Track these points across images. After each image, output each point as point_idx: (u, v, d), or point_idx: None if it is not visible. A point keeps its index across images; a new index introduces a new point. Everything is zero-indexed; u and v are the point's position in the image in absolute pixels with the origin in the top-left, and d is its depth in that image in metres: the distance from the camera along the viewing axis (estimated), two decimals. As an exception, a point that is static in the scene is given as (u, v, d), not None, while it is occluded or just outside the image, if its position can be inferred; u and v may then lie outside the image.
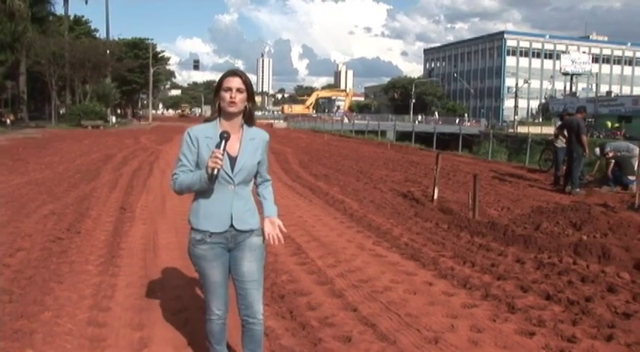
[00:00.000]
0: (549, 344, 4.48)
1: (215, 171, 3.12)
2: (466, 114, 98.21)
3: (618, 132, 53.80)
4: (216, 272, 3.43)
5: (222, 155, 3.14)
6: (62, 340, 4.39)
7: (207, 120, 3.42)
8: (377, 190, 13.55)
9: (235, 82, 3.28)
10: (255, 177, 3.54)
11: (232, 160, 3.31)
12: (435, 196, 11.57)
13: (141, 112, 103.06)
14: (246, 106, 3.37)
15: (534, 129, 50.26)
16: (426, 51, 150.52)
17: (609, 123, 61.61)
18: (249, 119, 3.43)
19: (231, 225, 3.37)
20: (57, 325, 4.69)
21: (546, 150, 19.55)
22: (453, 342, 4.50)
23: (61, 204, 10.55)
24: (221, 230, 3.36)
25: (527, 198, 12.97)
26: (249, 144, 3.39)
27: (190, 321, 4.85)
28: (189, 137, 3.34)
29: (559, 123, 16.71)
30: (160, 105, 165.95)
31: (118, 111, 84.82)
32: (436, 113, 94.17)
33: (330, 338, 4.54)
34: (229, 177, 3.31)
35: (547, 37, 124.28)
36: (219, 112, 3.36)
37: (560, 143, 15.56)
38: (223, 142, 3.16)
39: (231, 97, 3.25)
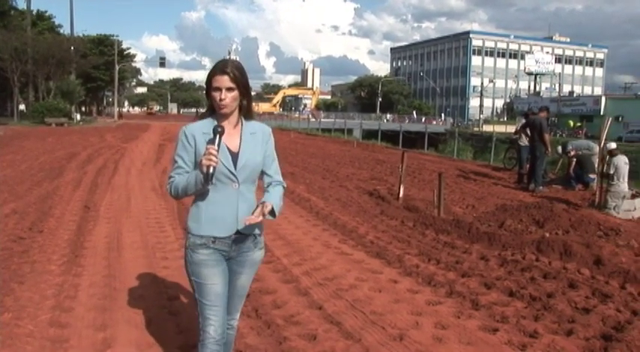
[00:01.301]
0: (512, 339, 4.54)
1: (210, 170, 2.82)
2: (443, 114, 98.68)
3: (580, 131, 54.78)
4: (218, 280, 3.06)
5: (217, 151, 2.85)
6: (23, 342, 4.30)
7: (202, 116, 3.14)
8: (343, 188, 13.58)
9: (224, 82, 2.97)
10: (262, 179, 3.20)
11: (234, 156, 3.03)
12: (401, 194, 11.63)
13: (106, 110, 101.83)
14: (241, 103, 3.08)
15: (499, 128, 50.83)
16: (392, 50, 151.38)
17: (571, 123, 62.77)
18: (246, 114, 3.16)
19: (236, 230, 3.06)
20: (17, 327, 4.60)
21: (510, 148, 19.79)
22: (418, 339, 4.52)
23: (23, 203, 10.36)
24: (227, 234, 3.05)
25: (491, 195, 13.12)
26: (251, 139, 3.11)
27: (154, 321, 4.79)
28: (185, 135, 3.04)
29: (522, 121, 16.93)
30: (126, 103, 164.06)
31: (83, 108, 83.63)
32: (414, 112, 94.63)
33: (296, 337, 4.54)
34: (232, 174, 3.01)
35: (512, 37, 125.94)
36: (214, 110, 3.10)
37: (524, 142, 15.78)
38: (217, 137, 2.88)
39: (220, 99, 2.97)
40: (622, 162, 11.41)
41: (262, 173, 3.18)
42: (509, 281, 6.12)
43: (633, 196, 11.55)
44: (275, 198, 3.10)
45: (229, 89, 2.98)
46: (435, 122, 78.83)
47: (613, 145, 11.94)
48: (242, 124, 3.14)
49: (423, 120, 74.36)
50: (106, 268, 6.43)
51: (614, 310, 5.24)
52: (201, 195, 3.03)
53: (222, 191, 3.02)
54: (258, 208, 2.96)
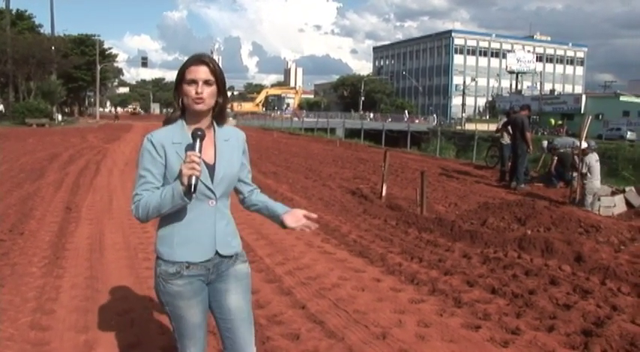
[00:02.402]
0: (494, 336, 4.57)
1: (193, 181, 2.41)
2: (435, 115, 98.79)
3: (561, 130, 55.20)
4: (195, 312, 2.69)
5: (200, 158, 2.46)
6: (3, 346, 4.26)
7: (168, 121, 2.68)
8: (326, 187, 13.59)
9: (201, 73, 2.56)
10: (238, 188, 2.87)
11: (210, 169, 2.62)
12: (384, 193, 11.66)
13: (88, 110, 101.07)
14: (216, 102, 2.65)
15: (481, 126, 51.12)
16: (375, 49, 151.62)
17: (553, 121, 63.21)
18: (219, 116, 2.71)
19: (215, 252, 2.68)
20: (-2, 329, 4.56)
21: (492, 146, 19.90)
22: (401, 337, 4.53)
23: (3, 205, 10.26)
24: (204, 259, 2.65)
25: (474, 194, 13.19)
26: (226, 147, 2.70)
27: (137, 322, 4.77)
28: (152, 145, 2.58)
29: (504, 120, 17.06)
30: (108, 103, 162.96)
31: (65, 109, 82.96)
32: (406, 112, 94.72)
33: (279, 336, 4.53)
34: (209, 190, 2.61)
35: (493, 36, 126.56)
36: (184, 111, 2.65)
37: (506, 140, 15.88)
38: (198, 142, 2.49)
39: (197, 92, 2.54)
40: (593, 160, 11.67)
41: (237, 183, 2.84)
42: (492, 278, 6.15)
43: (613, 193, 11.70)
44: (279, 205, 2.91)
45: (207, 82, 2.58)
46: (417, 121, 79.05)
47: (585, 144, 12.11)
48: (214, 130, 2.71)
49: (417, 120, 74.74)
50: (88, 269, 6.39)
51: (595, 306, 5.29)
52: (171, 214, 2.59)
53: (197, 209, 2.62)
54: (295, 219, 2.81)
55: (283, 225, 2.86)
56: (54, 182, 13.68)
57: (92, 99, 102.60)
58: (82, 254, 7.09)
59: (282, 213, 2.85)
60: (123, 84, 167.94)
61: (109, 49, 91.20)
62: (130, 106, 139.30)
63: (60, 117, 62.63)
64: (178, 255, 2.62)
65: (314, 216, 2.88)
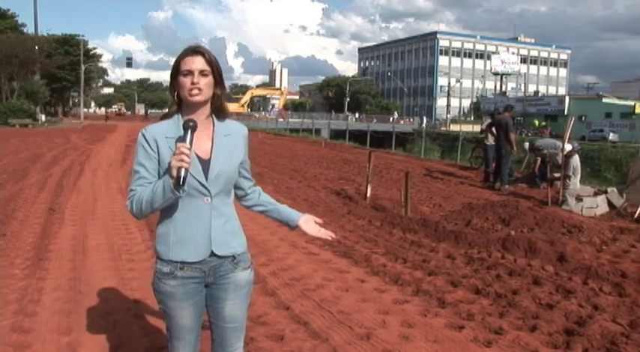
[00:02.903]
0: (478, 336, 4.59)
1: (182, 173, 2.33)
2: (424, 118, 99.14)
3: (545, 131, 55.59)
4: (186, 314, 2.64)
5: (190, 149, 2.37)
6: (-16, 347, 4.23)
7: (165, 116, 2.62)
8: (310, 188, 13.59)
9: (197, 63, 2.49)
10: (238, 185, 2.79)
11: (205, 164, 2.54)
12: (368, 194, 11.68)
13: (72, 111, 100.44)
14: (214, 93, 2.58)
15: (466, 128, 51.33)
16: (360, 50, 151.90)
17: (537, 122, 63.72)
18: (218, 110, 2.64)
19: (211, 253, 2.60)
20: (-21, 331, 4.52)
21: (477, 147, 19.98)
22: (385, 338, 4.55)
23: (-15, 206, 10.18)
24: (198, 259, 2.57)
25: (458, 194, 13.24)
26: (224, 142, 2.61)
27: (119, 323, 4.74)
28: (145, 139, 2.53)
29: (488, 121, 17.14)
30: (92, 104, 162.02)
31: (49, 109, 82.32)
32: (395, 113, 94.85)
33: (263, 337, 4.53)
34: (203, 186, 2.53)
35: (478, 37, 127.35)
36: (180, 105, 2.59)
37: (490, 141, 15.94)
38: (189, 133, 2.41)
39: (192, 83, 2.47)
40: (577, 162, 11.98)
41: (238, 178, 2.76)
42: (475, 279, 6.18)
43: (595, 194, 11.78)
44: (289, 209, 2.89)
45: (203, 73, 2.50)
46: (402, 122, 79.29)
47: (569, 146, 12.26)
48: (214, 124, 2.63)
49: (403, 121, 75.02)
50: (71, 271, 6.34)
51: (577, 305, 5.34)
52: (167, 212, 2.56)
53: (191, 207, 2.55)
54: (312, 226, 2.84)
55: (291, 228, 2.88)
56: (37, 183, 13.58)
57: (76, 100, 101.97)
58: (65, 255, 7.04)
59: (298, 219, 2.84)
60: (107, 84, 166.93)
61: (94, 49, 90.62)
62: (114, 107, 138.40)
63: (43, 117, 62.15)
64: (173, 253, 2.56)
65: (319, 220, 2.90)
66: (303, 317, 4.99)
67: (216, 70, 2.56)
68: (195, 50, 2.53)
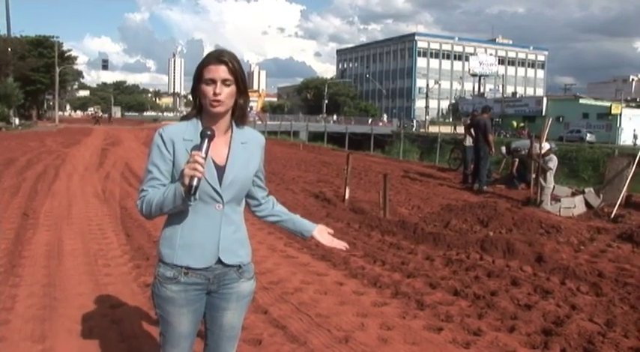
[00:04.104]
0: (456, 338, 4.62)
1: (194, 182, 2.29)
2: (414, 119, 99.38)
3: (523, 132, 55.99)
4: (184, 321, 2.59)
5: (205, 159, 2.34)
6: (-44, 355, 4.18)
7: (185, 118, 2.59)
8: (289, 191, 13.59)
9: (220, 72, 2.44)
10: (251, 195, 2.77)
11: (220, 170, 2.51)
12: (347, 196, 11.70)
13: (47, 114, 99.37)
14: (236, 102, 2.55)
15: (445, 129, 51.65)
16: (339, 51, 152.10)
17: (515, 123, 64.26)
18: (240, 118, 2.61)
19: (218, 260, 2.55)
20: (-50, 340, 4.46)
21: (455, 149, 20.11)
22: (363, 341, 4.56)
23: (-43, 212, 10.04)
24: (204, 265, 2.53)
25: (437, 196, 13.32)
26: (241, 150, 2.58)
27: (96, 330, 4.70)
28: (162, 139, 2.50)
29: (468, 121, 17.23)
30: (68, 107, 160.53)
31: (23, 112, 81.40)
32: (384, 115, 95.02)
33: (240, 342, 4.50)
34: (216, 193, 2.50)
35: (456, 39, 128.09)
36: (200, 110, 2.55)
37: (469, 142, 16.05)
38: (206, 142, 2.37)
39: (215, 94, 2.42)
40: (555, 161, 12.06)
41: (252, 187, 2.75)
42: (454, 280, 6.22)
43: (573, 194, 11.93)
44: (303, 220, 2.91)
45: (226, 82, 2.45)
46: (381, 124, 79.57)
47: (547, 146, 12.41)
48: (232, 131, 2.60)
49: (381, 123, 75.29)
50: (46, 277, 6.27)
51: (555, 305, 5.40)
52: (176, 214, 2.51)
53: (202, 212, 2.51)
54: (327, 237, 2.87)
55: (304, 238, 2.92)
56: (10, 187, 13.41)
57: (51, 103, 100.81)
58: (39, 261, 6.96)
59: (312, 229, 2.86)
60: (83, 87, 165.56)
61: (69, 51, 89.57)
62: (91, 109, 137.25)
63: (17, 120, 61.39)
64: (179, 257, 2.51)
65: (331, 231, 2.93)
66: (281, 321, 4.98)
67: (240, 80, 2.50)
68: (219, 58, 2.46)
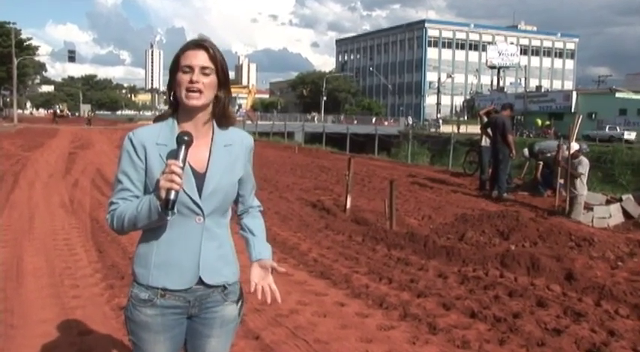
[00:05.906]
0: (474, 367, 4.60)
1: (172, 196, 2.24)
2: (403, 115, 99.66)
3: (549, 131, 55.93)
4: (161, 349, 2.52)
5: (183, 169, 2.28)
6: None
7: (159, 118, 2.54)
8: (283, 200, 13.58)
9: (199, 58, 2.39)
10: (236, 203, 2.70)
11: (199, 179, 2.44)
12: (348, 205, 11.69)
13: (4, 112, 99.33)
14: (217, 96, 2.47)
15: (460, 129, 51.60)
16: (338, 42, 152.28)
17: (539, 121, 64.19)
18: (222, 116, 2.53)
19: (199, 280, 2.48)
20: None
21: (471, 151, 20.08)
22: (368, 370, 4.54)
23: None
24: (183, 287, 2.46)
25: (450, 204, 13.30)
26: (224, 154, 2.51)
27: (61, 359, 4.68)
28: (132, 145, 2.42)
29: (485, 119, 17.11)
30: (28, 104, 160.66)
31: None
32: (410, 117, 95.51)
33: (227, 372, 4.49)
34: (195, 204, 2.42)
35: (472, 26, 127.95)
36: (177, 108, 2.49)
37: (485, 142, 15.94)
38: (183, 150, 2.30)
39: (191, 81, 2.37)
40: (585, 165, 11.87)
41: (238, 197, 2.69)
42: (471, 300, 6.19)
43: (608, 202, 11.88)
44: (262, 245, 2.73)
45: (205, 71, 2.40)
46: (386, 123, 79.72)
47: (576, 146, 12.29)
48: (213, 132, 2.53)
49: (387, 123, 75.37)
50: (2, 302, 6.21)
51: (589, 330, 5.34)
52: (151, 229, 2.45)
53: (180, 226, 2.44)
54: (260, 275, 2.67)
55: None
56: (-37, 198, 13.41)
57: (8, 100, 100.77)
58: (-6, 283, 6.92)
59: (255, 258, 2.69)
60: (47, 81, 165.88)
61: (29, 39, 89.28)
62: (57, 107, 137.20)
63: (-31, 120, 61.39)
64: (154, 278, 2.45)
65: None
66: (274, 348, 4.96)
67: (220, 70, 2.45)
68: (198, 44, 2.43)
